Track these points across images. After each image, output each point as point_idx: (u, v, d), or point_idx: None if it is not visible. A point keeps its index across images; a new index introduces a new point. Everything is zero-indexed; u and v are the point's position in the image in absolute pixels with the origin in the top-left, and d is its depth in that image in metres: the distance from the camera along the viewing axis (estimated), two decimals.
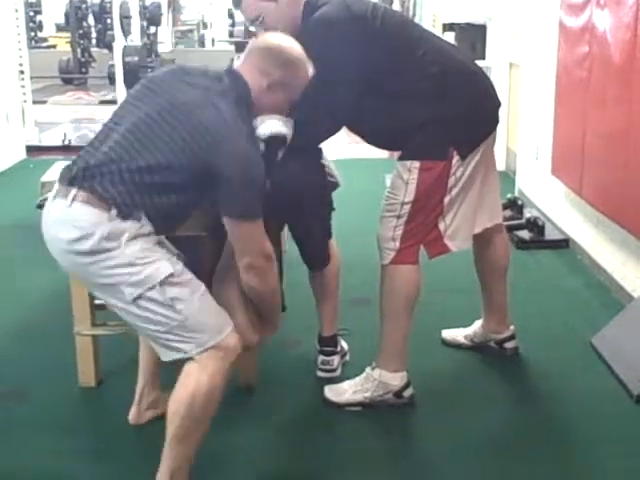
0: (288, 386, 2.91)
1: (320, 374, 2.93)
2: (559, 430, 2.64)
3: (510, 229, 4.18)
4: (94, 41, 13.98)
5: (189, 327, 2.01)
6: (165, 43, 15.10)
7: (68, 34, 14.13)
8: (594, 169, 3.89)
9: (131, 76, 8.03)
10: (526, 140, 5.48)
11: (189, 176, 2.03)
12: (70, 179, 2.02)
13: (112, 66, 9.17)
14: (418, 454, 2.55)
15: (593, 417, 2.69)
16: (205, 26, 18.42)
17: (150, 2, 12.40)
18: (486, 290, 3.05)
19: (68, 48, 14.04)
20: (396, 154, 2.69)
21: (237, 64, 2.24)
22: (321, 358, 2.94)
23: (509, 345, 3.09)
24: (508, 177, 5.86)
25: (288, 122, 2.30)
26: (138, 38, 9.78)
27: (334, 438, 2.58)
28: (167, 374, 2.35)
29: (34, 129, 7.92)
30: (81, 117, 9.73)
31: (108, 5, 11.82)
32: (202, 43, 18.25)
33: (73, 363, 2.84)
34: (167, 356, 2.08)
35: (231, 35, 14.04)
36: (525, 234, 4.53)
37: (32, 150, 7.37)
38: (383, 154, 5.02)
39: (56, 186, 2.07)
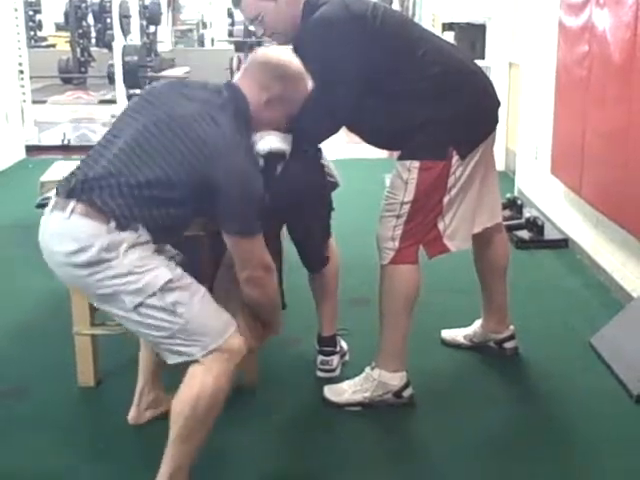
0: (288, 386, 2.91)
1: (319, 374, 2.93)
2: (559, 430, 2.64)
3: (509, 229, 4.18)
4: (94, 40, 14.00)
5: (191, 330, 2.01)
6: (165, 42, 15.09)
7: (67, 33, 14.15)
8: (594, 169, 3.89)
9: (131, 75, 8.04)
10: (526, 140, 5.48)
11: (188, 191, 2.03)
12: (68, 192, 2.01)
13: (112, 65, 9.17)
14: (418, 454, 2.55)
15: (593, 417, 2.69)
16: (205, 25, 18.42)
17: (150, 1, 12.39)
18: (486, 290, 3.05)
19: (67, 47, 14.06)
20: (395, 154, 2.69)
21: (236, 78, 2.24)
22: (320, 358, 2.94)
23: (509, 345, 3.09)
24: (507, 177, 5.87)
25: (286, 138, 2.31)
26: (138, 37, 9.78)
27: (334, 438, 2.58)
28: (167, 374, 2.35)
29: (33, 129, 7.93)
30: (80, 117, 9.73)
31: (108, 4, 11.82)
32: (202, 42, 18.25)
33: (72, 363, 2.84)
34: (172, 360, 2.08)
35: (230, 34, 14.05)
36: (525, 234, 4.53)
37: (31, 150, 7.38)
38: (382, 154, 5.02)
39: (53, 199, 2.07)
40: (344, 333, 3.07)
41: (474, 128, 2.61)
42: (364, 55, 2.47)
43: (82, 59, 13.61)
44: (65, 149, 7.44)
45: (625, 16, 3.38)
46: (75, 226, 1.98)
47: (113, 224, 1.96)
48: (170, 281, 2.00)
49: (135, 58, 8.20)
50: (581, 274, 4.07)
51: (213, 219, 2.12)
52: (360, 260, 3.34)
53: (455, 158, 2.55)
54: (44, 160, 6.48)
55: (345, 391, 2.73)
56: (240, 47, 13.22)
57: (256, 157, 2.19)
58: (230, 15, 14.01)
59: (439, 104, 2.52)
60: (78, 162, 2.13)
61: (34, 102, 8.27)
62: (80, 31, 13.57)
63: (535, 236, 4.51)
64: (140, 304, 1.98)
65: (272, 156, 2.26)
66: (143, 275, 1.97)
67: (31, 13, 15.40)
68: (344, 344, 3.05)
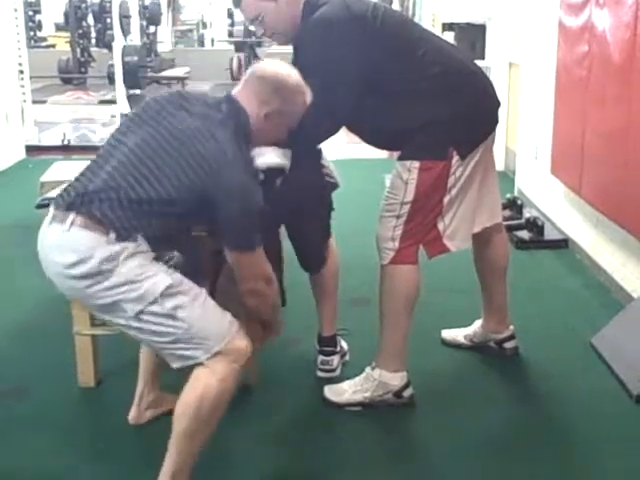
0: (288, 386, 2.91)
1: (320, 374, 2.93)
2: (559, 430, 2.64)
3: (509, 229, 4.18)
4: (93, 41, 14.00)
5: (194, 334, 2.02)
6: (165, 43, 15.11)
7: (67, 34, 14.15)
8: (594, 168, 3.89)
9: (130, 76, 8.03)
10: (525, 140, 5.48)
11: (188, 206, 2.04)
12: (68, 204, 2.02)
13: (111, 66, 9.18)
14: (418, 454, 2.55)
15: (593, 417, 2.69)
16: (205, 26, 18.42)
17: (150, 1, 12.40)
18: (486, 290, 3.05)
19: (67, 48, 14.05)
20: (395, 154, 2.69)
21: (235, 90, 2.24)
22: (321, 358, 2.94)
23: (509, 345, 3.09)
24: (507, 177, 5.86)
25: (286, 153, 2.31)
26: (138, 38, 9.78)
27: (334, 438, 2.58)
28: (167, 374, 2.35)
29: (33, 129, 7.93)
30: (80, 117, 9.73)
31: (107, 5, 11.83)
32: (202, 43, 18.26)
33: (72, 363, 2.84)
34: (177, 364, 2.08)
35: (230, 35, 14.06)
36: (524, 234, 4.53)
37: (31, 150, 7.37)
38: (382, 154, 5.01)
39: (52, 211, 2.07)
40: (344, 333, 3.07)
41: (474, 128, 2.61)
42: (364, 55, 2.47)
43: (82, 59, 13.61)
44: (65, 149, 7.44)
45: (625, 16, 3.39)
46: (75, 238, 1.98)
47: (113, 235, 1.97)
48: (170, 287, 2.00)
49: (135, 58, 8.20)
50: (581, 274, 4.07)
51: (213, 233, 2.14)
52: (360, 260, 3.34)
53: (455, 158, 2.55)
54: (44, 160, 6.47)
55: (345, 391, 2.73)
56: (240, 47, 13.23)
57: (256, 171, 2.19)
58: (230, 15, 14.03)
59: (439, 104, 2.52)
60: (78, 166, 2.13)
61: (34, 102, 8.27)
62: (80, 31, 13.57)
63: (535, 236, 4.51)
64: (141, 312, 1.99)
65: (271, 171, 2.27)
66: (142, 283, 1.98)
67: (31, 13, 15.40)
68: (344, 344, 3.05)
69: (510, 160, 6.08)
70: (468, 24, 7.10)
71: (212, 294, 2.20)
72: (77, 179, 2.08)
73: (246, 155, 2.14)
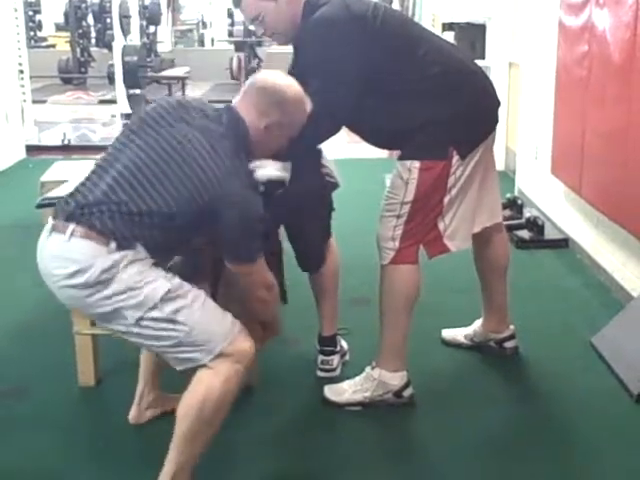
0: (288, 386, 2.91)
1: (320, 374, 2.93)
2: (559, 430, 2.64)
3: (510, 229, 4.18)
4: (93, 41, 14.02)
5: (196, 336, 2.02)
6: (164, 42, 15.12)
7: (67, 34, 14.15)
8: (594, 168, 3.89)
9: (130, 76, 8.04)
10: (526, 139, 5.48)
11: (189, 219, 2.04)
12: (68, 215, 2.02)
13: (111, 66, 9.19)
14: (418, 454, 2.55)
15: (593, 417, 2.69)
16: (205, 25, 18.41)
17: (150, 1, 12.41)
18: (486, 290, 3.05)
19: (67, 48, 14.06)
20: (395, 154, 2.69)
21: (235, 100, 2.24)
22: (321, 358, 2.94)
23: (509, 345, 3.09)
24: (508, 177, 5.86)
25: (285, 167, 2.31)
26: (137, 38, 9.79)
27: (334, 438, 2.58)
28: (168, 374, 2.35)
29: (33, 128, 7.93)
30: (80, 117, 9.74)
31: (107, 4, 11.84)
32: (201, 42, 18.26)
33: (72, 363, 2.84)
34: (180, 367, 2.09)
35: (230, 35, 14.04)
36: (525, 234, 4.53)
37: (32, 150, 7.38)
38: (383, 154, 5.02)
39: (51, 221, 2.07)
40: (344, 333, 3.07)
41: (474, 128, 2.61)
42: (364, 55, 2.47)
43: (82, 59, 13.62)
44: (65, 149, 7.45)
45: (625, 16, 3.38)
46: (75, 248, 1.98)
47: (113, 245, 1.97)
48: (169, 291, 2.00)
49: (135, 58, 8.21)
50: (581, 274, 4.07)
51: (213, 243, 2.15)
52: (360, 260, 3.34)
53: (455, 158, 2.55)
54: (44, 160, 6.47)
55: (345, 391, 2.73)
56: (240, 47, 13.22)
57: (256, 182, 2.19)
58: (230, 15, 14.00)
59: (439, 104, 2.52)
60: (78, 166, 2.13)
61: (34, 102, 8.28)
62: (80, 31, 13.58)
63: (535, 236, 4.51)
64: (141, 318, 1.99)
65: (271, 183, 2.27)
66: (142, 289, 1.98)
67: (31, 13, 15.39)
68: (344, 344, 3.05)
69: (510, 160, 6.08)
70: (468, 24, 7.09)
71: (213, 295, 2.21)
72: (77, 189, 2.08)
73: (246, 167, 2.14)
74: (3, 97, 6.87)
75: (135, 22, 9.66)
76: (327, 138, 2.61)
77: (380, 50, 2.50)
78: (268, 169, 2.26)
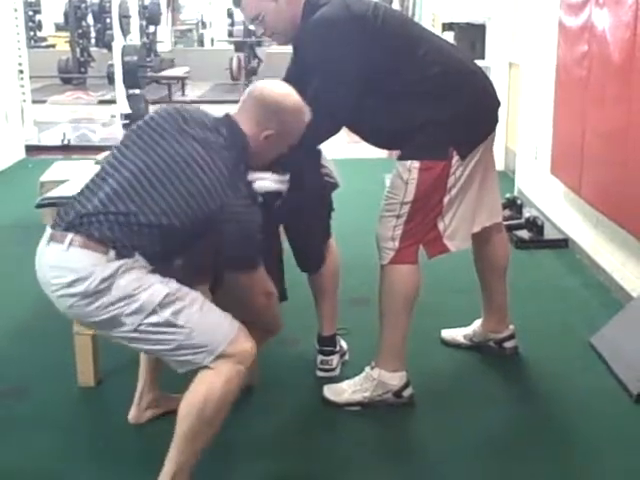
0: (287, 386, 2.91)
1: (319, 374, 2.93)
2: (559, 430, 2.64)
3: (509, 229, 4.18)
4: (93, 41, 14.01)
5: (196, 338, 2.02)
6: (164, 42, 15.11)
7: (67, 34, 14.15)
8: (593, 168, 3.89)
9: (130, 76, 8.02)
10: (525, 139, 5.48)
11: (187, 229, 2.05)
12: (66, 225, 2.02)
13: (111, 66, 9.17)
14: (417, 454, 2.55)
15: (593, 417, 2.69)
16: (204, 25, 18.40)
17: (149, 1, 12.40)
18: (486, 290, 3.05)
19: (67, 48, 14.06)
20: (395, 154, 2.69)
21: (234, 111, 2.24)
22: (320, 358, 2.94)
23: (509, 345, 3.09)
24: (507, 177, 5.87)
25: (283, 180, 2.31)
26: (137, 38, 9.77)
27: (333, 438, 2.58)
28: (167, 374, 2.35)
29: (33, 128, 7.93)
30: (80, 117, 9.73)
31: (107, 4, 11.82)
32: (201, 42, 18.25)
33: (72, 363, 2.84)
34: (182, 369, 2.09)
35: (230, 35, 14.04)
36: (524, 234, 4.53)
37: (31, 150, 7.38)
38: (382, 154, 5.02)
39: (49, 231, 2.07)
40: (344, 333, 3.07)
41: (474, 128, 2.61)
42: (364, 55, 2.47)
43: (82, 59, 13.62)
44: (65, 149, 7.45)
45: (625, 16, 3.39)
46: (74, 257, 1.99)
47: (113, 253, 1.98)
48: (167, 295, 2.01)
49: (135, 58, 8.19)
50: (581, 274, 4.07)
51: (213, 249, 2.16)
52: (360, 260, 3.34)
53: (455, 158, 2.55)
54: (44, 160, 6.47)
55: (345, 391, 2.73)
56: (240, 47, 13.22)
57: (255, 193, 2.20)
58: (230, 15, 14.01)
59: (439, 104, 2.52)
60: (78, 166, 2.13)
61: (34, 102, 8.28)
62: (80, 31, 13.58)
63: (535, 236, 4.51)
64: (140, 324, 2.00)
65: (270, 194, 2.28)
66: (140, 295, 1.99)
67: (31, 13, 15.38)
68: (344, 344, 3.05)
69: (510, 160, 6.08)
70: (468, 24, 7.09)
71: (213, 295, 2.21)
72: (75, 199, 2.08)
73: (245, 178, 2.15)
74: (3, 97, 6.87)
75: (135, 22, 9.64)
76: (327, 138, 2.61)
77: (380, 50, 2.50)
78: (266, 182, 2.27)
